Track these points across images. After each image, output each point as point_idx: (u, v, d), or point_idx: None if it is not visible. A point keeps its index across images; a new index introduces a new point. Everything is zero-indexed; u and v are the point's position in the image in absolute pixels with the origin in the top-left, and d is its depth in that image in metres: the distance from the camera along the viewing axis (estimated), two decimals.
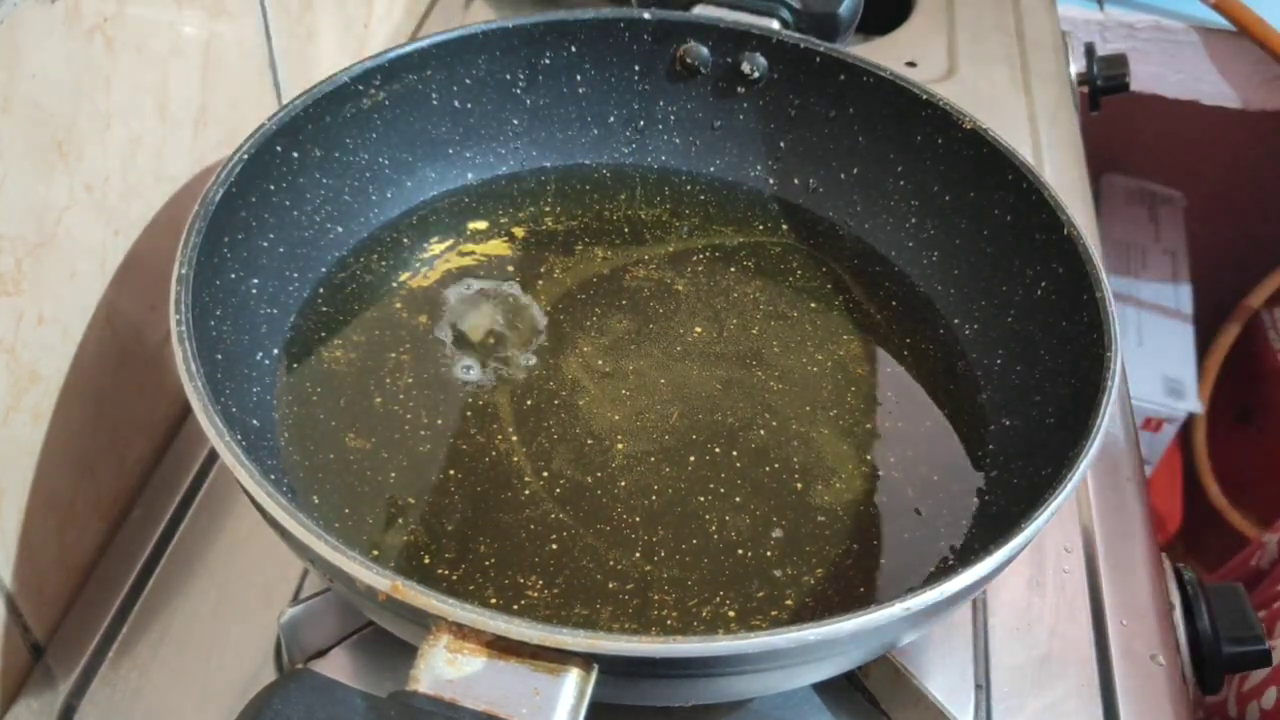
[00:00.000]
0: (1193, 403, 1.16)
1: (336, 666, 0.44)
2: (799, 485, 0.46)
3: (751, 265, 0.55)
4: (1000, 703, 0.45)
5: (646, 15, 0.56)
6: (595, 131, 0.59)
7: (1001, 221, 0.51)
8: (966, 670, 0.46)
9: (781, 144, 0.58)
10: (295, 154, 0.49)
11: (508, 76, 0.56)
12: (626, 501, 0.45)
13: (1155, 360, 1.18)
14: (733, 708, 0.43)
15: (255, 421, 0.44)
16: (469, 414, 0.47)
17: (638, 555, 0.43)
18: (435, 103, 0.54)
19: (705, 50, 0.57)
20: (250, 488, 0.35)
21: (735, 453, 0.47)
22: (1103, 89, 0.84)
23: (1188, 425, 1.21)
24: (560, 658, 0.31)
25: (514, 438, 0.46)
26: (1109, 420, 0.40)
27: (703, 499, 0.45)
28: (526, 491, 0.44)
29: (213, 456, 0.52)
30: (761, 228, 0.57)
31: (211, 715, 0.43)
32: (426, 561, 0.42)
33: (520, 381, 0.49)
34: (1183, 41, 1.12)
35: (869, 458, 0.47)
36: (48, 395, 0.43)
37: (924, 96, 0.53)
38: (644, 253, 0.56)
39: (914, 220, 0.55)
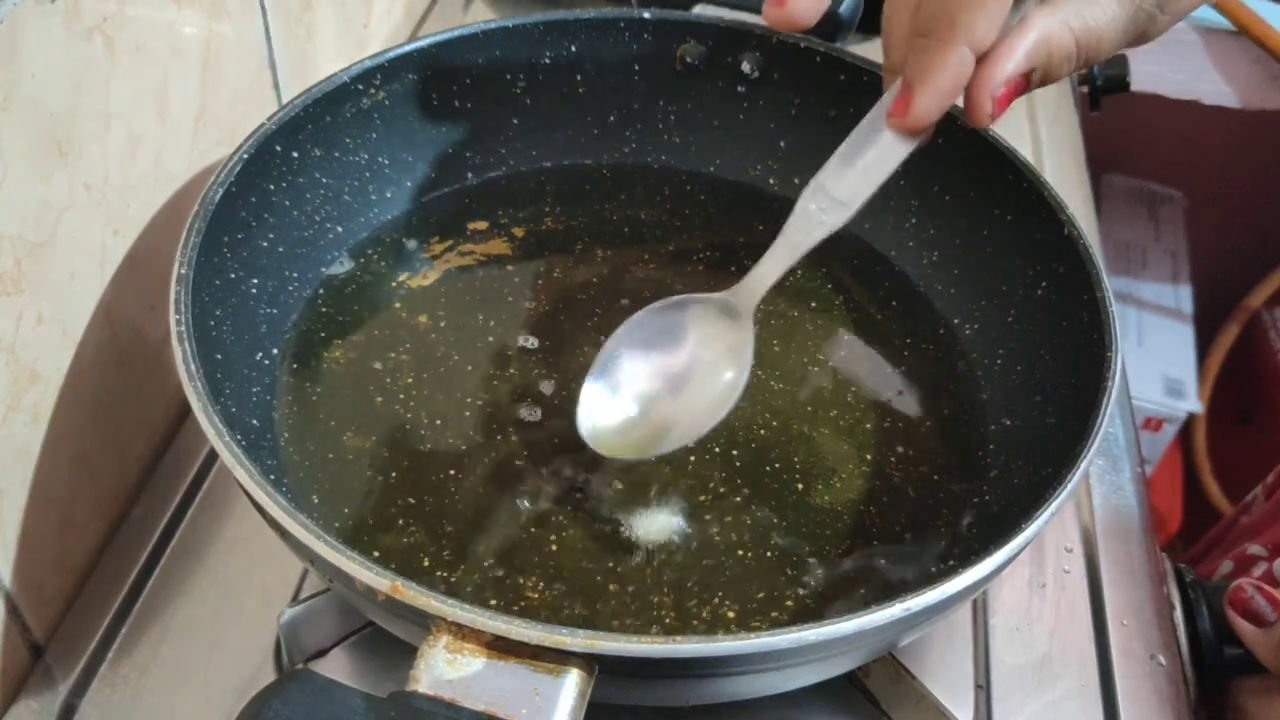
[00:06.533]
0: (1193, 403, 1.16)
1: (336, 666, 0.44)
2: (799, 485, 0.46)
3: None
4: (1000, 703, 0.45)
5: (646, 15, 0.56)
6: (595, 131, 0.59)
7: (1001, 221, 0.51)
8: (966, 670, 0.46)
9: (781, 143, 0.58)
10: (295, 154, 0.49)
11: (508, 76, 0.56)
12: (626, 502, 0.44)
13: (1155, 360, 1.18)
14: (733, 708, 0.43)
15: (255, 421, 0.44)
16: (469, 414, 0.47)
17: (638, 556, 0.43)
18: (435, 103, 0.54)
19: (705, 49, 0.57)
20: (250, 488, 0.35)
21: (735, 453, 0.47)
22: (1103, 89, 0.84)
23: (1188, 425, 1.21)
24: (560, 658, 0.31)
25: (514, 437, 0.46)
26: (1109, 420, 0.40)
27: (703, 499, 0.45)
28: (527, 491, 0.44)
29: (213, 456, 0.52)
30: (761, 228, 0.57)
31: (211, 715, 0.43)
32: (426, 562, 0.42)
33: (521, 382, 0.49)
34: (1183, 41, 1.12)
35: (869, 458, 0.47)
36: (48, 395, 0.43)
37: None
38: (644, 253, 0.56)
39: (914, 220, 0.55)
